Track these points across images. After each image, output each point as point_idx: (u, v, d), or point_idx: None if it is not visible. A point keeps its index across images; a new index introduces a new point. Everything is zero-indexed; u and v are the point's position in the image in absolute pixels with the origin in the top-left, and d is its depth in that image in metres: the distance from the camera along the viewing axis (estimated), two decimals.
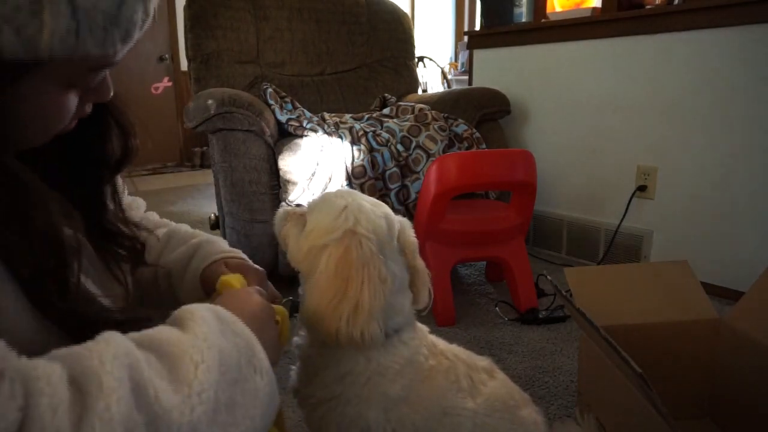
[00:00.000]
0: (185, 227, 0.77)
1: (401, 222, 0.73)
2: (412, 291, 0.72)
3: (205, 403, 0.40)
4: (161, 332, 0.43)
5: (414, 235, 0.74)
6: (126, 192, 0.74)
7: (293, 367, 0.74)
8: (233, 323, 0.48)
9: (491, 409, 0.70)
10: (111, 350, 0.37)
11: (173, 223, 0.78)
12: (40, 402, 0.32)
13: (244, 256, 0.73)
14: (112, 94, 0.53)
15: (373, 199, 0.71)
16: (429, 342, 0.74)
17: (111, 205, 0.61)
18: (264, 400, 0.47)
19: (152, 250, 0.72)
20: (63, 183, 0.54)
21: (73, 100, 0.47)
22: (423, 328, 0.75)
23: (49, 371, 0.34)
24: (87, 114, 0.52)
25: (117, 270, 0.58)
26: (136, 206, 0.76)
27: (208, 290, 0.67)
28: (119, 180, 0.64)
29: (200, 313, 0.46)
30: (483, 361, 0.76)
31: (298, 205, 0.77)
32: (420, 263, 0.73)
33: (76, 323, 0.44)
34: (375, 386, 0.67)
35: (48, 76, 0.43)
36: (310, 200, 0.74)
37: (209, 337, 0.44)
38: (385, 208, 0.71)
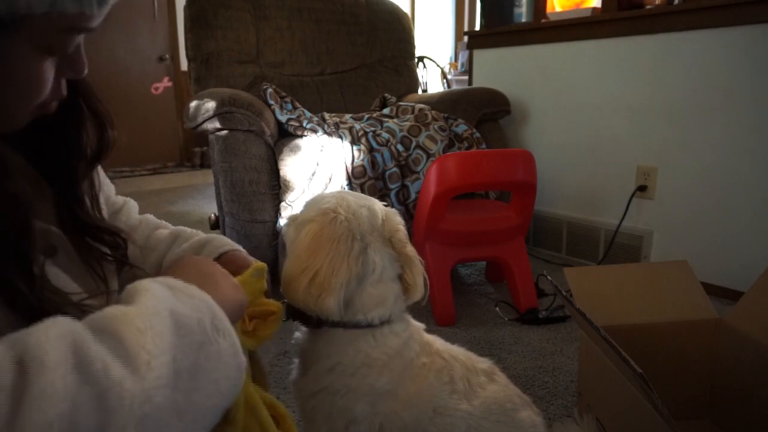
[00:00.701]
0: (188, 228, 0.78)
1: (385, 211, 0.73)
2: (406, 281, 0.72)
3: (158, 369, 0.38)
4: (107, 311, 0.42)
5: (401, 222, 0.74)
6: (114, 192, 0.74)
7: (295, 360, 0.74)
8: (186, 288, 0.47)
9: (487, 412, 0.70)
10: (55, 330, 0.36)
11: (171, 225, 0.78)
12: None
13: (246, 253, 0.73)
14: (86, 71, 0.53)
15: (361, 195, 0.74)
16: (424, 340, 0.74)
17: (88, 201, 0.60)
18: (228, 361, 0.45)
19: (158, 248, 0.71)
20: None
21: (49, 69, 0.47)
22: (419, 325, 0.75)
23: None
24: (64, 96, 0.52)
25: (98, 267, 0.57)
26: (127, 208, 0.75)
27: None
28: (97, 177, 0.63)
29: (146, 284, 0.45)
30: (483, 364, 0.76)
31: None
32: (411, 250, 0.73)
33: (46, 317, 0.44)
34: (363, 377, 0.68)
35: (24, 37, 0.43)
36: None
37: (155, 304, 0.42)
38: (370, 201, 0.73)
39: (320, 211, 0.69)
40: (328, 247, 0.66)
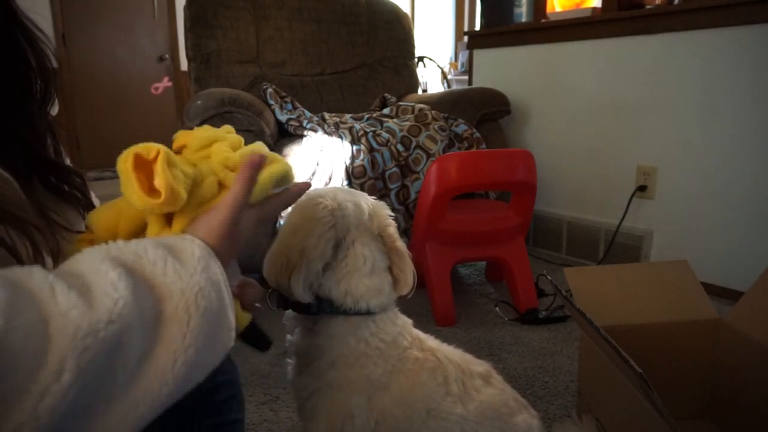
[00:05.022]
0: None
1: (373, 206, 0.74)
2: (395, 274, 0.73)
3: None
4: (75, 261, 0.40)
5: (390, 216, 0.75)
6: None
7: (290, 360, 0.75)
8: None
9: (482, 417, 0.69)
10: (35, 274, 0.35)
11: None
12: None
13: None
14: None
15: (351, 190, 0.75)
16: (414, 333, 0.75)
17: (49, 141, 0.59)
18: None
19: None
20: None
21: None
22: (407, 320, 0.76)
23: None
24: None
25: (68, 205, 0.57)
26: None
27: None
28: (56, 128, 0.61)
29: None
30: (480, 367, 0.75)
31: None
32: (401, 245, 0.74)
33: None
34: (361, 368, 0.68)
35: None
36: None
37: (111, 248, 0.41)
38: (357, 197, 0.73)
39: (307, 196, 0.70)
40: (305, 227, 0.67)
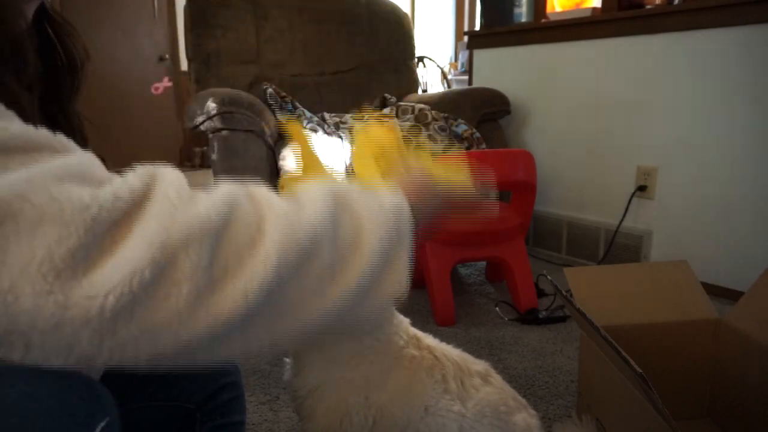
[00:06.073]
0: None
1: None
2: None
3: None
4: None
5: None
6: None
7: (287, 360, 0.75)
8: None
9: (480, 415, 0.69)
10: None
11: None
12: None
13: None
14: None
15: None
16: (410, 332, 0.74)
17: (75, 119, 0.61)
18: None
19: None
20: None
21: None
22: (404, 319, 0.76)
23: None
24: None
25: None
26: None
27: None
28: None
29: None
30: (479, 365, 0.75)
31: None
32: None
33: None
34: (356, 366, 0.68)
35: None
36: None
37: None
38: None
39: None
40: None
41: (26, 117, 0.40)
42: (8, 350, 0.35)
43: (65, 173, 0.36)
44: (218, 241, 0.38)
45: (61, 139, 0.40)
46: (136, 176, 0.40)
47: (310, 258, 0.42)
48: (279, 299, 0.41)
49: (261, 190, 0.45)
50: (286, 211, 0.43)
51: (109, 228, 0.36)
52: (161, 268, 0.36)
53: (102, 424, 0.39)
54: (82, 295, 0.34)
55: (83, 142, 0.62)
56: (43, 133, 0.39)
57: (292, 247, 0.41)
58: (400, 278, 0.48)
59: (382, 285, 0.46)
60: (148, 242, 0.36)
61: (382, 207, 0.48)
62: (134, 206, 0.37)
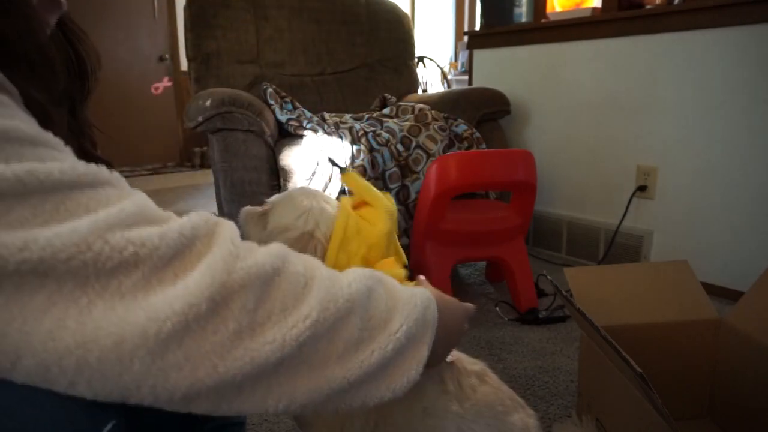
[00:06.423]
0: None
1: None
2: None
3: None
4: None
5: None
6: None
7: None
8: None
9: (478, 415, 0.69)
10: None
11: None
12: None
13: None
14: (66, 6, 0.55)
15: (328, 197, 0.75)
16: None
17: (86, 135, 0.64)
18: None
19: None
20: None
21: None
22: None
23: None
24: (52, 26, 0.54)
25: None
26: None
27: None
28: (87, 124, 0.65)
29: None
30: (475, 365, 0.75)
31: (263, 202, 0.78)
32: None
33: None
34: None
35: None
36: (274, 197, 0.75)
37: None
38: (332, 203, 0.74)
39: (299, 233, 0.70)
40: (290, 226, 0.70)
41: (61, 135, 0.42)
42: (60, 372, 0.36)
43: (134, 218, 0.40)
44: (268, 287, 0.42)
45: (116, 174, 0.43)
46: (197, 216, 0.43)
47: (342, 323, 0.46)
48: (309, 354, 0.43)
49: (310, 257, 0.49)
50: (331, 276, 0.47)
51: (170, 260, 0.39)
52: (216, 305, 0.39)
53: (107, 427, 0.40)
54: (143, 316, 0.36)
55: (93, 148, 0.64)
56: (103, 170, 0.41)
57: (331, 308, 0.45)
58: (416, 365, 0.51)
59: (397, 368, 0.49)
60: (210, 279, 0.39)
61: (414, 295, 0.52)
62: (197, 244, 0.41)
